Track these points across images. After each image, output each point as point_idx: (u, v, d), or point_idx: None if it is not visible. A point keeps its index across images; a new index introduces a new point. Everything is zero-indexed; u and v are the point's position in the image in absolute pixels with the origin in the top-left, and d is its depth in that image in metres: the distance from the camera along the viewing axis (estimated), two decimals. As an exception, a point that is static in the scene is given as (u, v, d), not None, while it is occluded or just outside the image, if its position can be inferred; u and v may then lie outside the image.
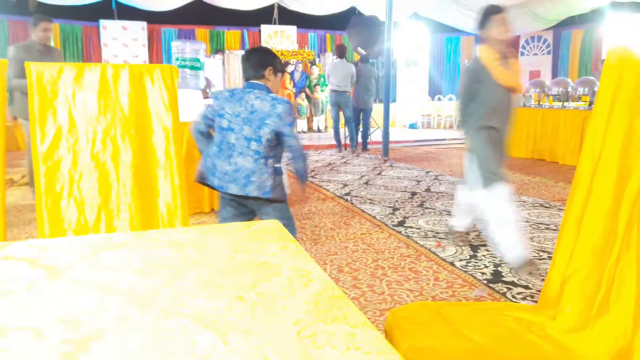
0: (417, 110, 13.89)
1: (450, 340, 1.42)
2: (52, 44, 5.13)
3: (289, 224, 2.45)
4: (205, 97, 6.21)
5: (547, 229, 4.10)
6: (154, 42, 14.05)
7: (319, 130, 12.73)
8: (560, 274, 1.75)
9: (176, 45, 6.59)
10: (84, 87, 2.08)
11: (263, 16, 13.39)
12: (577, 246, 1.78)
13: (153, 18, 13.08)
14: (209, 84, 6.61)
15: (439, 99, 14.49)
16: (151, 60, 13.60)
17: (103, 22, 12.93)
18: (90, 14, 12.57)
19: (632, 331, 1.46)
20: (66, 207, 2.06)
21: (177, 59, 6.15)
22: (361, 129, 9.15)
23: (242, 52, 13.94)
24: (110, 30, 13.09)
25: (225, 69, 13.22)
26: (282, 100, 2.32)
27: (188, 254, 1.19)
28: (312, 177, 6.56)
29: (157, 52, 13.98)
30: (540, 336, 1.52)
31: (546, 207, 4.81)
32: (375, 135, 9.88)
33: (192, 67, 5.87)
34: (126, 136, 2.12)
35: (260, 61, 2.39)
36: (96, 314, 0.92)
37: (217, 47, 14.02)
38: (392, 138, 8.93)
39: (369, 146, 9.24)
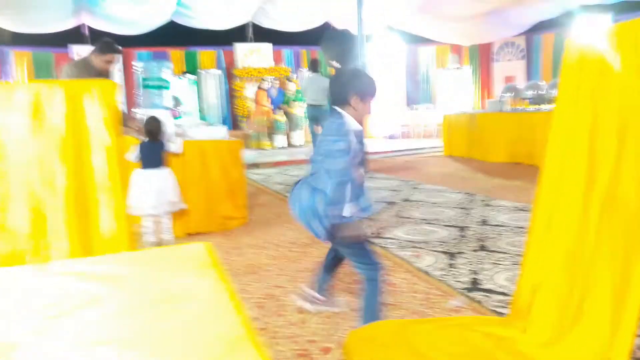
0: (396, 121, 13.85)
1: (409, 365, 1.27)
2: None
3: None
4: (175, 117, 6.06)
5: (527, 233, 4.00)
6: (129, 65, 13.89)
7: (299, 146, 12.62)
8: (531, 282, 1.62)
9: (140, 66, 6.48)
10: (13, 109, 1.93)
11: (238, 34, 13.34)
12: (547, 251, 1.66)
13: (126, 42, 12.92)
14: (177, 102, 6.49)
15: (416, 109, 14.46)
16: (127, 83, 13.44)
17: (75, 48, 12.73)
18: (61, 40, 12.39)
19: (610, 341, 1.32)
20: (-2, 239, 1.90)
21: (143, 79, 6.03)
22: (339, 142, 9.02)
23: (218, 71, 13.88)
24: (83, 55, 12.90)
25: (200, 89, 13.11)
26: None
27: (92, 290, 1.02)
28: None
29: (132, 75, 13.82)
30: (510, 352, 1.38)
31: (525, 210, 4.72)
32: (354, 148, 9.78)
33: (158, 87, 5.76)
34: (62, 160, 1.97)
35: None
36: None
37: (192, 68, 13.92)
38: (370, 149, 8.83)
39: (348, 159, 9.11)
